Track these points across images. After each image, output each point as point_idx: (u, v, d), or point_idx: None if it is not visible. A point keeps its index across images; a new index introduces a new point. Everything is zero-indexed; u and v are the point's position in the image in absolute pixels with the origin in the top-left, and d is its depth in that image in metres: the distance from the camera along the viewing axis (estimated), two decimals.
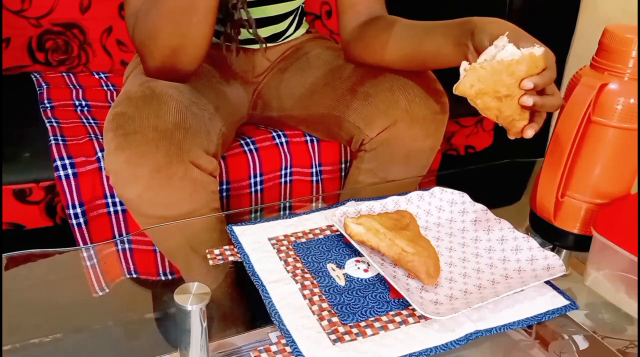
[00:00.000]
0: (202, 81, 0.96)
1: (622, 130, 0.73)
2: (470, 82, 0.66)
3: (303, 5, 1.13)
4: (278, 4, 1.03)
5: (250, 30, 0.94)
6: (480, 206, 0.81)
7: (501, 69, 0.66)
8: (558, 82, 1.51)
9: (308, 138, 1.09)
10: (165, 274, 0.78)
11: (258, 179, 1.07)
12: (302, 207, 0.96)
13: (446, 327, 0.62)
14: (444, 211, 0.82)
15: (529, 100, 0.67)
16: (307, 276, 0.69)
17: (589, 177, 0.77)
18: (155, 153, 0.76)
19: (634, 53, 0.70)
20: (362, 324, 0.63)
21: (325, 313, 0.64)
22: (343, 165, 1.12)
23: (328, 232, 0.78)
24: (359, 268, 0.71)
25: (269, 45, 1.05)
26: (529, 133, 0.70)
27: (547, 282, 0.69)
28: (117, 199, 0.99)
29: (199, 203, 0.82)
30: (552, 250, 0.74)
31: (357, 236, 0.70)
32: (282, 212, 0.97)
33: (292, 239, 0.76)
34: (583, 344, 0.65)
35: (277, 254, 0.73)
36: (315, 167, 1.10)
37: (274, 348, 0.59)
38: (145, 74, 0.88)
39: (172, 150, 0.77)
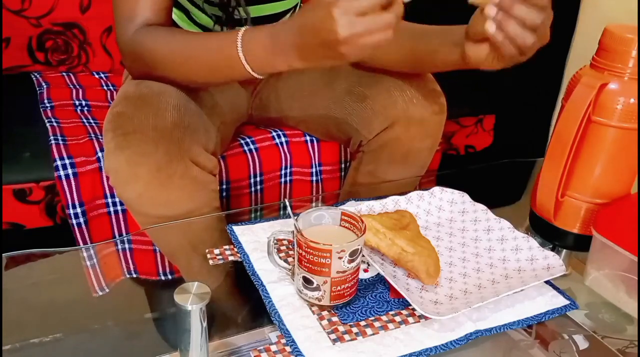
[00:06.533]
0: None
1: (622, 130, 0.73)
2: None
3: (302, 6, 1.13)
4: (273, 3, 1.02)
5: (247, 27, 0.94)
6: (480, 206, 0.81)
7: None
8: (558, 82, 1.52)
9: (308, 138, 1.09)
10: (165, 274, 0.78)
11: (258, 178, 1.07)
12: (302, 207, 0.96)
13: (446, 327, 0.62)
14: (444, 210, 0.82)
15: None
16: None
17: (589, 177, 0.77)
18: (155, 152, 0.76)
19: (634, 53, 0.70)
20: (362, 323, 0.63)
21: (325, 313, 0.64)
22: (343, 165, 1.12)
23: None
24: None
25: None
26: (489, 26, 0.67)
27: (547, 282, 0.69)
28: (117, 199, 0.99)
29: (200, 202, 0.82)
30: (552, 250, 0.74)
31: None
32: (282, 212, 0.96)
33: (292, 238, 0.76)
34: (583, 344, 0.65)
35: (277, 254, 0.73)
36: (315, 167, 1.10)
37: (274, 348, 0.59)
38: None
39: (172, 149, 0.76)
